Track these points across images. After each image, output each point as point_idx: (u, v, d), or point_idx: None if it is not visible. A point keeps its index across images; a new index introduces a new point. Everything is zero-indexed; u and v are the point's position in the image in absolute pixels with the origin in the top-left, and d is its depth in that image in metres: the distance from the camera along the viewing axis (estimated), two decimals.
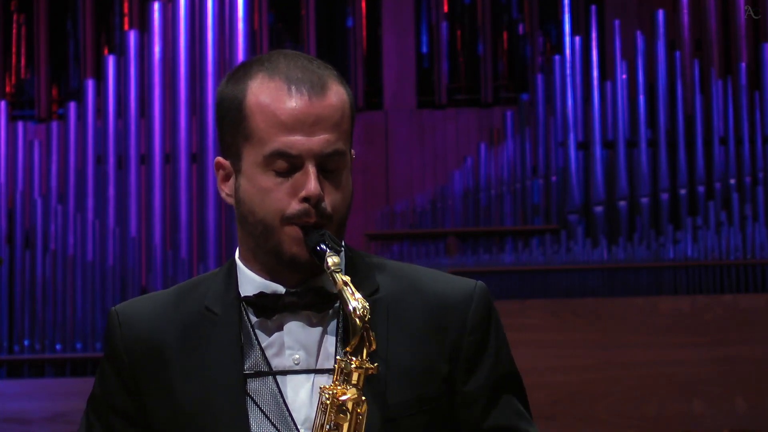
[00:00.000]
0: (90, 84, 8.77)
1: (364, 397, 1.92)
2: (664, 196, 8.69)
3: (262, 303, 2.03)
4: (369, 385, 1.97)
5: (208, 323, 2.06)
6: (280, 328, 2.04)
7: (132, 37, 8.78)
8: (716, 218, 8.50)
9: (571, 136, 8.79)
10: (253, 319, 2.05)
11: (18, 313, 8.40)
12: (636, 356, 7.96)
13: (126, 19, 9.72)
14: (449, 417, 2.05)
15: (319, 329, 2.03)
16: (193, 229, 8.61)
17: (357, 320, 1.91)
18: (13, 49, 9.84)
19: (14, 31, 9.86)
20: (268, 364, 2.03)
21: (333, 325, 2.04)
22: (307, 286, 2.03)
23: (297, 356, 2.02)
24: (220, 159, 2.08)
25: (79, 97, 8.97)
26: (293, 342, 2.03)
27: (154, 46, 8.72)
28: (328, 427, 1.92)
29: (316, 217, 1.99)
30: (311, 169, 1.99)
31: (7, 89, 9.77)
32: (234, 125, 2.03)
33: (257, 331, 2.05)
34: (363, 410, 1.92)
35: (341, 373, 1.93)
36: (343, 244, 2.09)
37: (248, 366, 2.03)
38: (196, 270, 8.50)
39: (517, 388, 2.10)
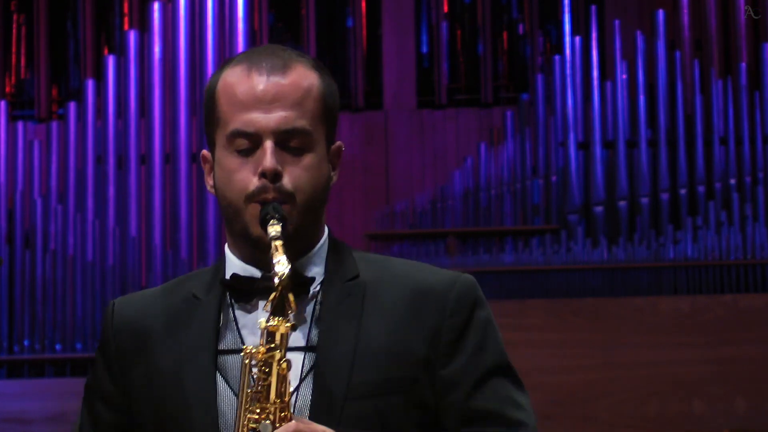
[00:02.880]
0: (90, 84, 8.77)
1: (286, 358, 1.92)
2: (664, 196, 8.69)
3: (237, 286, 2.07)
4: (335, 364, 2.00)
5: (191, 307, 2.10)
6: (257, 309, 2.07)
7: (132, 37, 8.78)
8: (716, 218, 8.49)
9: (571, 136, 8.79)
10: (233, 301, 2.09)
11: (18, 313, 8.40)
12: (636, 356, 7.96)
13: (126, 19, 9.72)
14: (424, 403, 2.04)
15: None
16: (193, 229, 8.61)
17: (275, 279, 1.92)
18: (13, 49, 9.84)
19: (14, 31, 9.86)
20: (243, 342, 2.05)
21: (310, 308, 2.06)
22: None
23: None
24: (204, 152, 2.13)
25: (79, 97, 8.96)
26: None
27: (154, 46, 8.72)
28: (252, 389, 1.93)
29: (273, 192, 2.01)
30: (268, 145, 2.01)
31: (7, 89, 9.77)
32: (208, 115, 2.09)
33: (237, 312, 2.08)
34: (284, 371, 1.92)
35: (266, 334, 1.94)
36: (326, 232, 2.12)
37: (223, 344, 2.07)
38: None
39: (509, 376, 2.07)
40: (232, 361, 2.05)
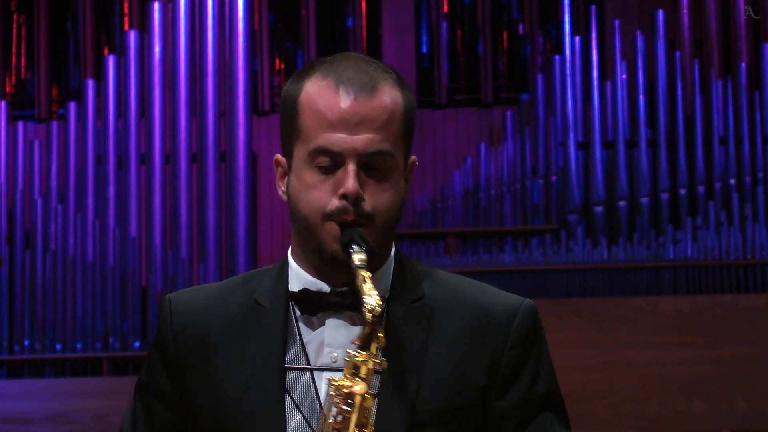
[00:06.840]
0: (90, 84, 8.77)
1: (371, 392, 1.93)
2: (664, 196, 8.69)
3: (306, 300, 2.06)
4: (400, 389, 1.99)
5: (255, 315, 2.08)
6: (322, 326, 2.06)
7: (132, 37, 8.79)
8: (716, 218, 8.50)
9: (571, 136, 8.79)
10: (299, 314, 2.07)
11: (18, 313, 8.41)
12: (636, 356, 7.96)
13: (126, 19, 9.72)
14: (479, 431, 2.06)
15: (360, 330, 2.04)
16: (193, 229, 8.61)
17: (367, 314, 1.91)
18: (13, 49, 9.84)
19: (14, 31, 9.86)
20: (307, 359, 2.05)
21: None
22: (353, 286, 2.03)
23: (335, 354, 2.04)
24: (278, 156, 2.11)
25: (79, 97, 8.97)
26: (333, 340, 2.04)
27: (154, 46, 8.72)
28: (334, 419, 1.93)
29: (354, 215, 2.00)
30: (351, 167, 1.99)
31: (7, 89, 9.78)
32: (289, 123, 2.06)
33: (302, 326, 2.07)
34: (369, 405, 1.93)
35: (351, 366, 1.93)
36: (393, 249, 2.12)
37: (289, 359, 2.05)
38: (196, 270, 8.50)
39: (557, 408, 2.10)
40: (297, 379, 2.04)
